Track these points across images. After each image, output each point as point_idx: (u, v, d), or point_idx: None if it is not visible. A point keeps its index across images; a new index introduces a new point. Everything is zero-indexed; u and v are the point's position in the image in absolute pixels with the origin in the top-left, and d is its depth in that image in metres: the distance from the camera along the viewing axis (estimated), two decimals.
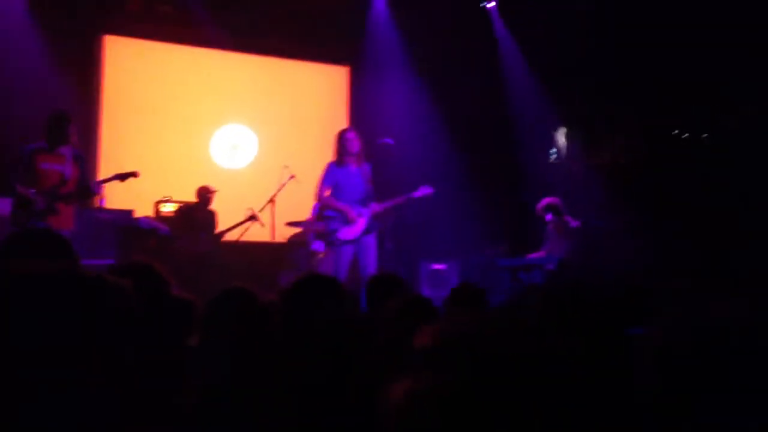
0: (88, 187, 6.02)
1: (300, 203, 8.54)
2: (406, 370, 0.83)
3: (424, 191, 6.49)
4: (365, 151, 6.28)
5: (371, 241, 6.24)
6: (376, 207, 6.26)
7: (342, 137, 6.23)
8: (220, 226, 7.94)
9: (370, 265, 6.16)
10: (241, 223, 7.78)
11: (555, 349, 0.86)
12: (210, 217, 7.94)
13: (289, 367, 1.71)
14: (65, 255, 1.93)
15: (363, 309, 5.64)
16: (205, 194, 7.94)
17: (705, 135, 7.79)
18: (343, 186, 6.19)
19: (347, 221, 6.11)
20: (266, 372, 1.79)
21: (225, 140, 9.29)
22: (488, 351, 0.81)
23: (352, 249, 6.14)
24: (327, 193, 6.26)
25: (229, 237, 7.96)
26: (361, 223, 6.16)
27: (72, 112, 6.24)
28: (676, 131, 7.81)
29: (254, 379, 1.92)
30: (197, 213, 7.87)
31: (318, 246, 8.05)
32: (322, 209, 6.43)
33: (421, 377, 0.81)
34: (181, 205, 8.01)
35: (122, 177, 6.05)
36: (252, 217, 7.76)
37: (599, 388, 0.88)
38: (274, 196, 7.85)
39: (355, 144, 6.18)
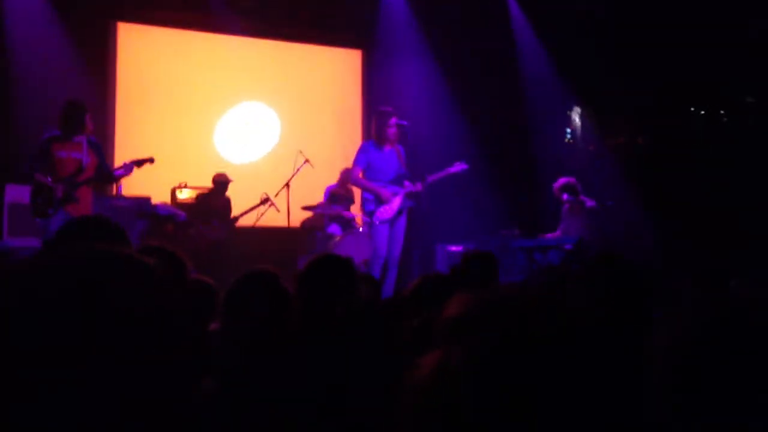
0: (110, 173, 6.07)
1: (315, 187, 8.57)
2: (432, 346, 0.82)
3: (460, 167, 6.49)
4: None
5: (403, 221, 6.26)
6: (410, 186, 6.26)
7: (385, 121, 6.20)
8: (235, 212, 7.98)
9: (398, 247, 6.19)
10: (255, 207, 7.80)
11: (587, 322, 0.85)
12: (226, 204, 7.98)
13: (307, 354, 1.72)
14: (120, 241, 1.96)
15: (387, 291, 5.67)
16: (221, 182, 7.96)
17: (722, 112, 7.70)
18: (378, 167, 6.20)
19: (382, 201, 6.12)
20: (284, 359, 1.80)
21: (240, 120, 9.30)
22: (520, 323, 0.80)
23: (387, 228, 6.16)
24: (360, 173, 6.24)
25: (245, 222, 8.00)
26: (396, 202, 6.18)
27: (86, 100, 6.29)
28: (693, 108, 7.73)
29: (272, 367, 1.93)
30: (213, 200, 7.90)
31: (334, 229, 8.07)
32: (359, 189, 6.46)
33: (449, 350, 0.78)
34: (198, 193, 8.05)
35: (138, 163, 6.09)
36: (265, 200, 7.78)
37: (626, 365, 0.87)
38: (289, 180, 7.86)
39: (395, 131, 6.17)
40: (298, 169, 7.94)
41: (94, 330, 0.77)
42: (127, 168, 6.00)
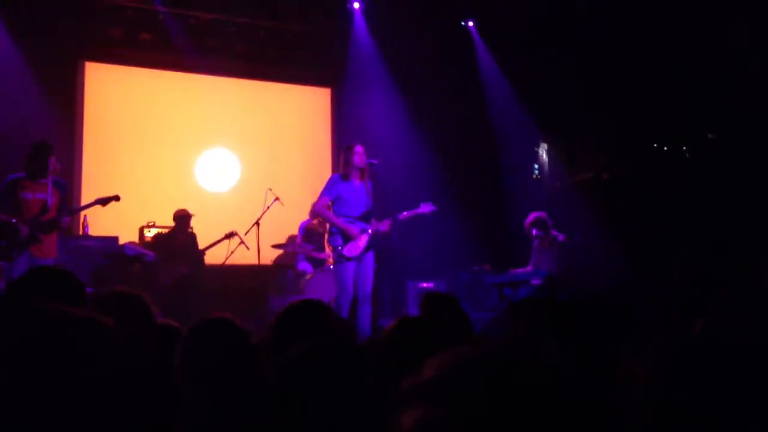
0: (63, 215, 5.96)
1: (285, 225, 8.55)
2: (412, 399, 0.84)
3: (428, 207, 6.48)
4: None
5: (371, 257, 6.19)
6: (377, 224, 6.22)
7: (350, 150, 6.20)
8: (201, 246, 7.89)
9: (368, 283, 6.11)
10: (219, 241, 7.72)
11: (561, 373, 0.87)
12: (189, 240, 7.88)
13: (281, 407, 1.68)
14: (79, 298, 1.94)
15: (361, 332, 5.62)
16: (182, 217, 7.86)
17: (685, 148, 7.89)
18: (347, 199, 6.13)
19: (349, 238, 6.06)
20: (255, 414, 1.76)
21: (209, 164, 9.27)
22: (500, 379, 0.82)
23: (354, 266, 6.09)
24: (327, 204, 6.21)
25: (215, 260, 7.93)
26: (363, 240, 6.12)
27: (54, 138, 6.25)
28: (656, 145, 7.91)
29: (243, 422, 1.88)
30: (176, 237, 7.81)
31: (305, 267, 8.04)
32: (326, 225, 6.42)
33: (432, 411, 0.80)
34: (158, 233, 7.96)
35: (104, 201, 6.05)
36: (230, 234, 7.71)
37: (599, 406, 0.89)
38: (259, 218, 7.84)
39: (362, 158, 6.16)
40: (267, 207, 7.92)
41: (43, 394, 0.76)
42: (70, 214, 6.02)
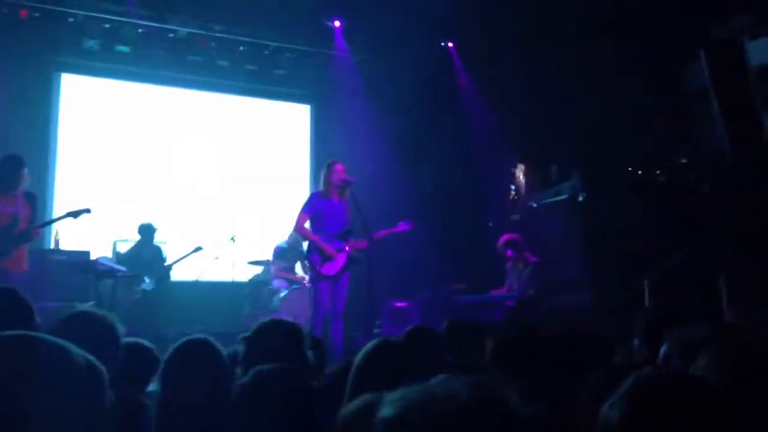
0: (32, 227, 5.89)
1: (261, 242, 8.51)
2: None
3: (406, 226, 6.48)
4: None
5: (346, 277, 6.17)
6: (355, 243, 6.20)
7: (330, 168, 6.19)
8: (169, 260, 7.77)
9: (341, 302, 6.09)
10: (188, 255, 7.59)
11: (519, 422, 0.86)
12: (156, 254, 7.76)
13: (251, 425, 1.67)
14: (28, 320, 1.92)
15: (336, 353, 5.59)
16: (146, 229, 7.76)
17: (658, 171, 7.99)
18: (325, 216, 6.11)
19: (326, 257, 6.03)
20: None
21: (184, 177, 9.19)
22: (453, 427, 0.80)
23: (329, 284, 6.06)
24: (305, 221, 6.18)
25: (187, 276, 7.86)
26: (341, 260, 6.10)
27: (27, 150, 6.17)
28: (631, 168, 7.99)
29: None
30: (142, 251, 7.69)
31: (280, 284, 8.00)
32: (305, 241, 6.39)
33: None
34: (131, 244, 7.84)
35: (75, 214, 5.99)
36: (198, 249, 7.61)
37: None
38: (233, 236, 7.82)
39: (341, 176, 6.15)
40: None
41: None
42: (60, 219, 5.94)
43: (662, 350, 2.01)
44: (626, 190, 7.79)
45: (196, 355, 2.26)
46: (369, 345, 2.21)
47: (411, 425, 0.79)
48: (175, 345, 2.32)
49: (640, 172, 7.86)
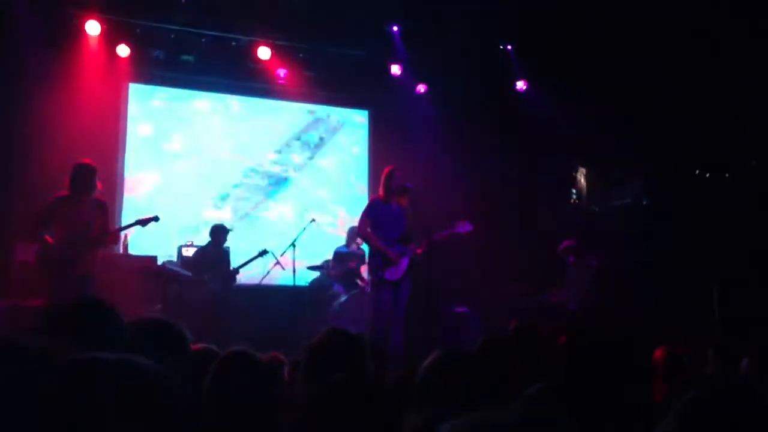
0: (111, 232, 6.13)
1: (321, 248, 8.59)
2: None
3: (464, 227, 6.46)
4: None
5: (408, 282, 6.20)
6: (416, 247, 6.22)
7: (391, 174, 6.23)
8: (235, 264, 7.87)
9: (403, 307, 6.12)
10: (253, 258, 7.68)
11: None
12: (223, 256, 7.86)
13: None
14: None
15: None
16: (218, 231, 7.89)
17: (727, 174, 7.75)
18: (386, 223, 6.17)
19: (389, 262, 6.07)
20: None
21: (247, 185, 9.36)
22: None
23: (391, 290, 6.09)
24: (368, 226, 6.22)
25: (251, 280, 8.00)
26: (404, 264, 6.14)
27: (97, 158, 6.38)
28: (697, 171, 7.77)
29: None
30: (209, 253, 7.82)
31: (339, 289, 8.06)
32: (367, 246, 6.43)
33: None
34: (200, 247, 7.98)
35: (143, 222, 6.17)
36: (263, 252, 7.71)
37: None
38: (295, 240, 7.91)
39: (400, 182, 6.18)
40: (304, 229, 7.98)
41: None
42: (129, 227, 6.12)
43: (743, 365, 1.96)
44: (690, 194, 7.60)
45: (239, 366, 2.27)
46: (434, 356, 2.21)
47: None
48: (220, 357, 2.34)
49: (707, 175, 7.64)
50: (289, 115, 9.71)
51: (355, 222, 6.74)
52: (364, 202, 6.84)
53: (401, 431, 1.58)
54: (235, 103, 9.44)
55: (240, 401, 2.14)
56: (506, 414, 0.84)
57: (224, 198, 9.14)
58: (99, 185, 5.99)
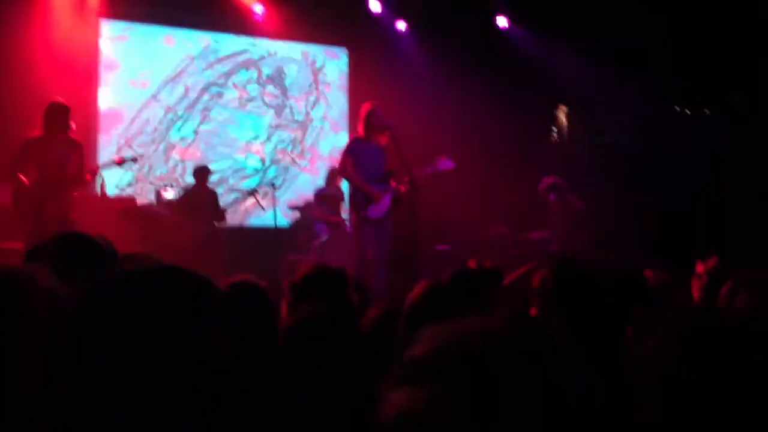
0: (87, 171, 6.01)
1: (301, 188, 8.53)
2: (400, 378, 0.79)
3: (446, 164, 6.37)
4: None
5: (390, 221, 6.16)
6: (397, 185, 6.16)
7: (371, 112, 6.12)
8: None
9: (386, 248, 6.09)
10: (245, 198, 7.64)
11: (563, 358, 0.81)
12: (212, 196, 7.80)
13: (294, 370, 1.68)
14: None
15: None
16: (201, 171, 7.78)
17: (707, 111, 7.73)
18: (367, 161, 6.09)
19: (371, 200, 6.01)
20: (268, 374, 1.77)
21: (223, 124, 9.21)
22: (488, 362, 0.76)
23: (374, 229, 6.06)
24: (350, 166, 6.14)
25: (231, 222, 7.94)
26: (385, 201, 6.07)
27: (71, 98, 6.21)
28: (679, 108, 7.75)
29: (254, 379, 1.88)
30: (198, 194, 7.73)
31: (321, 229, 8.03)
32: (348, 185, 6.37)
33: (414, 391, 0.75)
34: (183, 188, 7.90)
35: (122, 162, 6.06)
36: (253, 191, 7.65)
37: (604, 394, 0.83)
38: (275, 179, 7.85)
39: (380, 120, 6.08)
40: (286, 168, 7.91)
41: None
42: (107, 165, 5.99)
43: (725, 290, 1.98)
44: (672, 132, 7.59)
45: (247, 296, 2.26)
46: (418, 288, 2.20)
47: (442, 361, 0.75)
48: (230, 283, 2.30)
49: (689, 111, 7.62)
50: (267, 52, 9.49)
51: (333, 162, 6.68)
52: (342, 142, 6.75)
53: (387, 361, 1.56)
54: (206, 39, 9.18)
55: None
56: (495, 321, 0.80)
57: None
58: (73, 124, 5.85)
